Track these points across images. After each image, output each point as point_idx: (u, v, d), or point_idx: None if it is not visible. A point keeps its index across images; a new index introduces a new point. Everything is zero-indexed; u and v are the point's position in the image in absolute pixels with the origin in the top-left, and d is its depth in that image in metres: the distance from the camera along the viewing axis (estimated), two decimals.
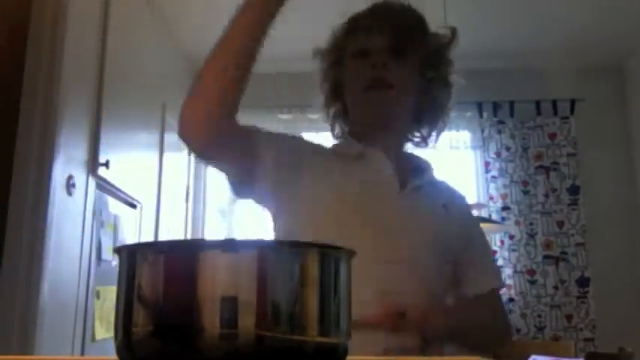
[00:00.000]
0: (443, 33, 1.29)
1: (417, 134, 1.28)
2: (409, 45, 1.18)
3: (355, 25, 1.21)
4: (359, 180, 1.14)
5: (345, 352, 0.49)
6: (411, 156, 1.29)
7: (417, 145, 1.29)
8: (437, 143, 1.30)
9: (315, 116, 4.33)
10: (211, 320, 0.44)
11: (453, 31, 1.30)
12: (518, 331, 3.92)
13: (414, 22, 1.22)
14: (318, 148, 1.22)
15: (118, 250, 0.50)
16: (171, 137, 3.53)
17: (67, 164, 2.25)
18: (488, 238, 4.02)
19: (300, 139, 1.25)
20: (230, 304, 0.44)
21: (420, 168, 1.24)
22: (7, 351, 1.93)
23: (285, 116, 4.31)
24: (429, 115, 1.25)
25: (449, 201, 1.22)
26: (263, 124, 4.44)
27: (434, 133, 1.28)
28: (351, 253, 0.50)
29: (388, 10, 1.21)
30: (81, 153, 2.41)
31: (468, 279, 1.23)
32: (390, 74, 1.15)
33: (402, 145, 1.26)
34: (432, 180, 1.24)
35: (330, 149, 1.24)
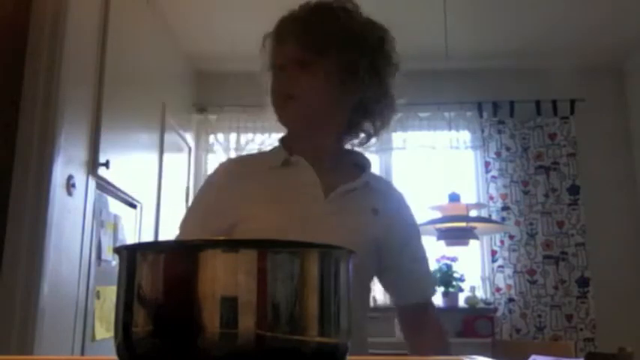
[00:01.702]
0: (372, 34, 1.23)
1: (362, 134, 1.24)
2: (316, 54, 1.12)
3: (276, 35, 1.19)
4: (284, 189, 1.13)
5: (345, 353, 0.49)
6: (352, 157, 1.25)
7: (361, 144, 1.26)
8: (376, 141, 1.26)
9: None
10: (211, 320, 0.44)
11: (381, 34, 1.26)
12: (518, 331, 3.92)
13: (328, 29, 1.15)
14: (240, 172, 1.21)
15: (118, 250, 0.50)
16: (172, 137, 3.52)
17: (67, 164, 2.25)
18: (486, 239, 3.99)
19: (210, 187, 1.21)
20: (230, 304, 0.44)
21: (359, 168, 1.21)
22: (7, 351, 1.93)
23: None
24: (363, 116, 1.21)
25: (382, 205, 1.17)
26: (263, 123, 4.46)
27: (377, 132, 1.25)
28: (350, 253, 0.49)
29: (297, 17, 1.16)
30: (81, 153, 2.41)
31: (396, 288, 1.23)
32: (293, 86, 1.13)
33: (336, 149, 1.22)
34: (368, 182, 1.19)
35: (258, 160, 1.25)
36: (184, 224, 1.16)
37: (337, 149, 1.22)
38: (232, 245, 0.47)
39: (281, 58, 1.15)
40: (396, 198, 1.25)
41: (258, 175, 1.17)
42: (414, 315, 1.25)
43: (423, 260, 1.27)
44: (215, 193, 1.17)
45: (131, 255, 0.49)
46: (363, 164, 1.23)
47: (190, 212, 1.20)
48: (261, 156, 1.29)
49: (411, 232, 1.25)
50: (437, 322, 1.27)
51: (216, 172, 1.22)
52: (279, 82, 1.16)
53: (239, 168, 1.23)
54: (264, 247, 0.46)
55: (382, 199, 1.20)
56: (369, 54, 1.18)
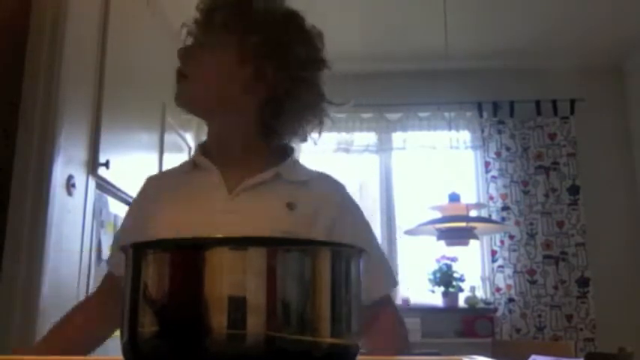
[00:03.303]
0: (286, 22, 1.12)
1: (287, 134, 1.13)
2: (217, 35, 1.07)
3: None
4: (189, 190, 1.10)
5: (356, 354, 0.48)
6: (271, 150, 1.13)
7: (290, 140, 1.15)
8: (315, 139, 1.15)
9: None
10: (219, 320, 0.43)
11: (298, 23, 1.13)
12: (518, 331, 3.92)
13: (234, 10, 1.08)
14: (161, 184, 1.21)
15: (124, 249, 0.49)
16: (171, 137, 3.52)
17: (67, 164, 2.24)
18: (486, 239, 3.97)
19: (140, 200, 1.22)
20: (238, 304, 0.43)
21: (269, 162, 1.10)
22: (7, 351, 1.92)
23: None
24: (277, 112, 1.08)
25: (302, 199, 1.06)
26: None
27: (301, 133, 1.14)
28: (361, 251, 0.49)
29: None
30: (81, 153, 2.40)
31: None
32: (187, 65, 1.10)
33: (247, 144, 1.11)
34: (279, 174, 1.08)
35: (174, 170, 1.23)
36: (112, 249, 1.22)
37: (248, 144, 1.11)
38: (241, 243, 0.46)
39: (190, 39, 1.13)
40: (324, 188, 1.12)
41: (171, 181, 1.17)
42: (368, 314, 1.15)
43: (375, 257, 1.12)
44: (142, 209, 1.17)
45: (137, 253, 0.48)
46: (277, 158, 1.12)
47: (119, 235, 1.24)
48: (179, 166, 1.23)
49: (347, 220, 1.10)
50: (390, 321, 1.13)
51: (138, 193, 1.23)
52: (180, 61, 1.12)
53: (156, 181, 1.23)
54: (273, 245, 0.45)
55: (304, 192, 1.08)
56: (279, 39, 1.08)
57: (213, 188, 1.07)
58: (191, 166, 1.14)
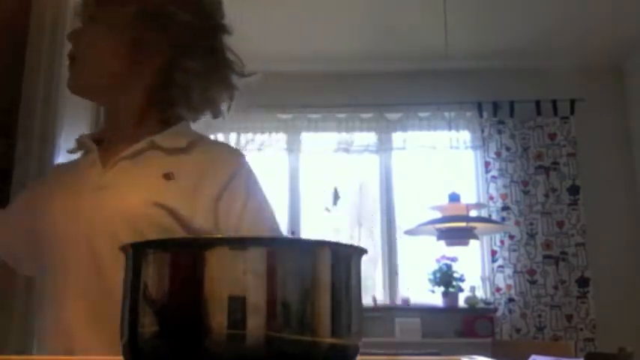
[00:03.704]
0: None
1: (180, 110, 1.06)
2: (102, 5, 1.02)
3: None
4: (70, 171, 1.07)
5: (356, 354, 0.48)
6: (167, 125, 1.05)
7: (194, 114, 1.08)
8: (222, 115, 1.09)
9: (315, 116, 4.33)
10: (219, 320, 0.43)
11: None
12: (518, 331, 3.92)
13: None
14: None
15: (124, 249, 0.49)
16: None
17: None
18: (486, 239, 3.97)
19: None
20: (238, 304, 0.43)
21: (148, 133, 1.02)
22: (7, 351, 1.92)
23: (285, 116, 4.31)
24: (168, 86, 1.02)
25: (183, 168, 0.97)
26: (262, 124, 4.44)
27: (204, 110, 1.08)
28: (361, 251, 0.49)
29: None
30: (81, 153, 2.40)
31: None
32: (75, 45, 1.04)
33: (136, 122, 1.04)
34: (154, 142, 1.00)
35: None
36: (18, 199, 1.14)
37: (141, 120, 1.04)
38: (241, 243, 0.46)
39: (78, 14, 1.06)
40: (215, 159, 1.03)
41: (62, 167, 1.16)
42: None
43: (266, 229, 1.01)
44: (36, 189, 1.13)
45: (137, 253, 0.48)
46: (159, 127, 1.04)
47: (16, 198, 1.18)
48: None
49: (247, 200, 0.99)
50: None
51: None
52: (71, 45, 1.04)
53: (55, 168, 1.20)
54: (273, 244, 0.45)
55: (185, 161, 0.99)
56: (157, 7, 1.01)
57: (89, 166, 1.01)
58: (77, 148, 1.09)
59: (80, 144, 1.08)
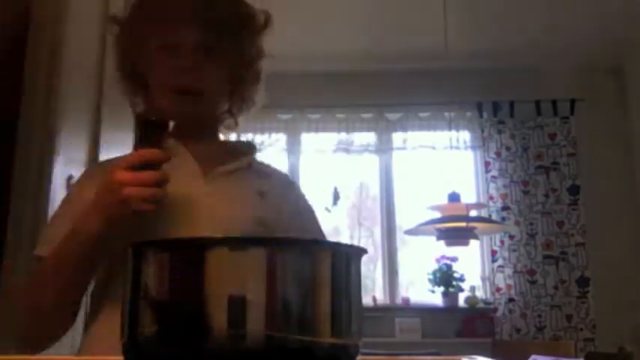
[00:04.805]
0: (256, 19, 1.10)
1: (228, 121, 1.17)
2: (222, 41, 1.02)
3: (159, 11, 1.04)
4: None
5: (356, 354, 0.48)
6: (230, 141, 1.20)
7: (227, 129, 1.18)
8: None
9: (315, 116, 4.33)
10: (219, 320, 0.43)
11: (267, 18, 1.11)
12: (518, 331, 3.92)
13: (229, 10, 1.05)
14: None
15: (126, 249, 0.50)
16: None
17: (67, 164, 2.24)
18: (486, 239, 4.00)
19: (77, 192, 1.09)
20: (238, 304, 0.43)
21: (237, 153, 1.12)
22: (7, 351, 1.92)
23: (284, 116, 4.31)
24: (238, 105, 1.14)
25: (268, 188, 1.09)
26: (262, 124, 4.45)
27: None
28: (361, 251, 0.49)
29: None
30: (81, 153, 2.40)
31: None
32: (200, 79, 1.02)
33: (213, 134, 1.15)
34: (251, 164, 1.12)
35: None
36: (45, 233, 1.05)
37: (215, 134, 1.15)
38: (241, 243, 0.46)
39: (182, 40, 1.01)
40: (283, 183, 1.18)
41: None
42: None
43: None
44: (77, 197, 1.04)
45: (137, 253, 0.48)
46: (246, 149, 1.16)
47: (52, 221, 1.07)
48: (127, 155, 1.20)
49: (307, 215, 1.17)
50: None
51: (77, 180, 1.14)
52: (181, 72, 1.01)
53: (97, 170, 1.10)
54: (273, 245, 0.45)
55: (268, 182, 1.12)
56: (256, 38, 1.10)
57: (186, 173, 1.01)
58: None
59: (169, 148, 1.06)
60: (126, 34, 1.13)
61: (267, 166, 1.20)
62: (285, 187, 1.17)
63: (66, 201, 1.10)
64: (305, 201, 1.19)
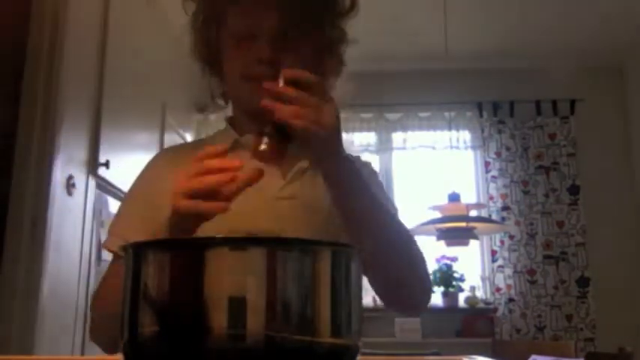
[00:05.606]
0: (341, 1, 1.04)
1: None
2: (303, 28, 0.96)
3: None
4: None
5: (356, 354, 0.48)
6: None
7: None
8: None
9: None
10: (219, 320, 0.43)
11: (354, 1, 1.07)
12: (518, 331, 3.92)
13: None
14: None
15: (124, 249, 0.49)
16: (172, 137, 3.52)
17: (67, 164, 2.24)
18: (486, 239, 3.98)
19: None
20: (238, 304, 0.43)
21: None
22: (8, 351, 1.92)
23: None
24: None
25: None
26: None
27: None
28: (361, 251, 0.49)
29: None
30: (81, 153, 2.40)
31: None
32: (277, 70, 0.95)
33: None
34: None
35: (200, 145, 1.01)
36: (118, 224, 1.03)
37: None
38: (241, 243, 0.46)
39: (260, 28, 0.95)
40: (365, 172, 1.07)
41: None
42: None
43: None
44: (153, 185, 1.01)
45: (137, 253, 0.48)
46: None
47: (125, 210, 1.05)
48: (205, 141, 1.13)
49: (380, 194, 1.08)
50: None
51: (150, 165, 1.10)
52: (259, 62, 0.94)
53: (178, 156, 1.05)
54: (273, 245, 0.45)
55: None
56: (339, 21, 1.03)
57: (266, 172, 0.93)
58: (229, 145, 0.95)
59: (240, 142, 1.02)
60: (200, 13, 1.06)
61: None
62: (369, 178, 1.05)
63: (136, 194, 1.07)
64: (387, 197, 1.11)
